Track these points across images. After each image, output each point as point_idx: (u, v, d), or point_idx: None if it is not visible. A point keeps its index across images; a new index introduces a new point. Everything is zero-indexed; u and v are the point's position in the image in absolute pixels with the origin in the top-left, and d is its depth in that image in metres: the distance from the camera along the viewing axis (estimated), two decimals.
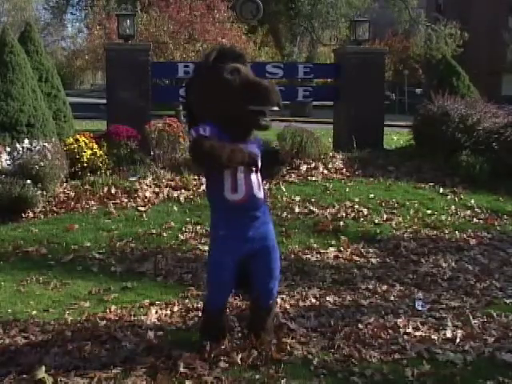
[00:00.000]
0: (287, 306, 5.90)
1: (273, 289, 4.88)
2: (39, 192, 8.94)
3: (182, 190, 9.94)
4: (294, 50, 29.32)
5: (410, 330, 5.34)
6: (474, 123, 11.60)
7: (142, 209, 9.18)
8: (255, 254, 4.71)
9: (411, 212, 9.37)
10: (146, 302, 6.08)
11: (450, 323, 5.49)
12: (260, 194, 4.65)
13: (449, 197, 10.19)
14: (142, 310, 5.84)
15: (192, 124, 4.64)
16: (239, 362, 4.62)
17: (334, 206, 9.41)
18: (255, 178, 4.62)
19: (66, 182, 9.93)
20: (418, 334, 5.27)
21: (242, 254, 4.66)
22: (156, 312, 5.74)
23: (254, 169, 4.59)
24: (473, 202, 9.95)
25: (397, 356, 4.82)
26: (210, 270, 4.83)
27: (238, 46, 19.57)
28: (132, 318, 5.58)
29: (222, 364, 4.59)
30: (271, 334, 4.98)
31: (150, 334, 5.12)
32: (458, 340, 5.13)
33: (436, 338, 5.19)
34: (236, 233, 4.61)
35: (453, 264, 7.37)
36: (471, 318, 5.63)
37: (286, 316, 5.62)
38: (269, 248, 4.77)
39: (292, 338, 5.10)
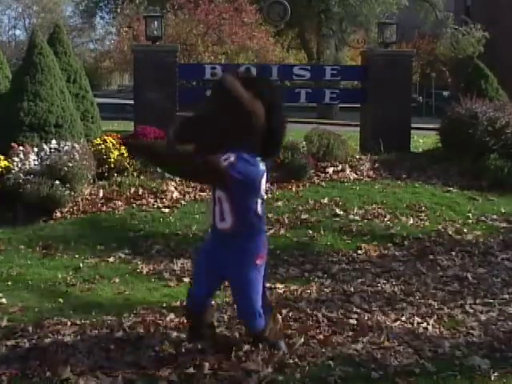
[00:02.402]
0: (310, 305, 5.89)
1: (248, 324, 4.79)
2: (67, 192, 8.99)
3: (209, 191, 9.94)
4: (322, 54, 29.24)
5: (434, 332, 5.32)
6: (503, 126, 11.50)
7: (169, 210, 9.22)
8: (227, 277, 4.80)
9: (438, 215, 9.31)
10: (172, 302, 6.09)
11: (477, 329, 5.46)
12: (223, 225, 4.52)
13: (476, 200, 10.11)
14: (167, 310, 5.85)
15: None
16: (261, 362, 4.62)
17: (360, 209, 9.38)
18: (218, 207, 4.50)
19: (94, 182, 9.97)
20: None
21: (213, 269, 4.72)
22: (182, 313, 5.75)
23: (221, 196, 4.47)
24: (501, 205, 9.87)
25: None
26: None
27: (266, 47, 19.60)
28: (158, 318, 5.60)
29: (246, 365, 4.59)
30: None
31: (175, 334, 5.14)
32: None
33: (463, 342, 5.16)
34: (207, 247, 4.83)
35: (480, 268, 7.31)
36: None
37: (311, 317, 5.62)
38: (234, 278, 4.69)
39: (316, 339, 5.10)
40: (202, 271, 4.83)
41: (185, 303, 5.03)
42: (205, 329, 4.95)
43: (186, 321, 5.11)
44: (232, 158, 4.27)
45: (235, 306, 4.91)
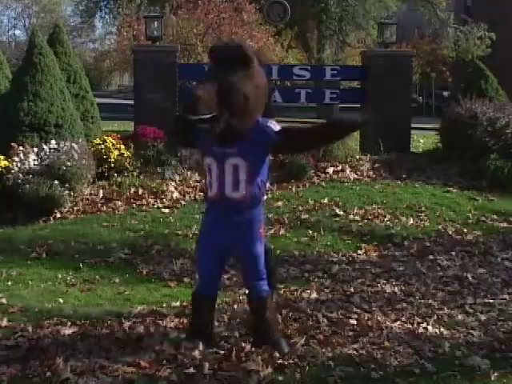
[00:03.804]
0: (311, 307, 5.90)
1: (256, 286, 4.84)
2: (66, 192, 9.00)
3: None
4: (322, 54, 29.22)
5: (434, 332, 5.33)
6: (503, 126, 11.49)
7: (169, 210, 9.22)
8: (233, 249, 4.83)
9: (438, 215, 9.31)
10: (172, 302, 6.09)
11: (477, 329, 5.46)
12: (235, 195, 4.55)
13: (476, 200, 10.11)
14: (167, 310, 5.85)
15: None
16: (261, 362, 4.62)
17: (360, 209, 9.38)
18: (231, 176, 4.51)
19: (94, 182, 9.98)
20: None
21: (217, 249, 4.76)
22: (182, 313, 5.75)
23: (238, 164, 4.50)
24: (500, 205, 9.87)
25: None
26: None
27: (266, 48, 19.57)
28: (157, 318, 5.60)
29: (246, 365, 4.58)
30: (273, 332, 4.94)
31: (175, 334, 5.14)
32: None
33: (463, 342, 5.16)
34: (208, 230, 4.84)
35: (480, 268, 7.31)
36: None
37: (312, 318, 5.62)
38: (245, 247, 4.75)
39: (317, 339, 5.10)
40: (208, 247, 4.81)
41: (195, 290, 4.98)
42: (207, 318, 4.95)
43: (192, 312, 5.06)
44: (273, 123, 4.53)
45: (243, 274, 4.95)
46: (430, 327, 5.43)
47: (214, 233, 4.75)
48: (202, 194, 9.83)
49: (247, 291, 5.02)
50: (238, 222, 4.62)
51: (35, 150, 9.41)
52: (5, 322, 5.48)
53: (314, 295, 6.31)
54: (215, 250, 4.78)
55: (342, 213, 9.19)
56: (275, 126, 4.53)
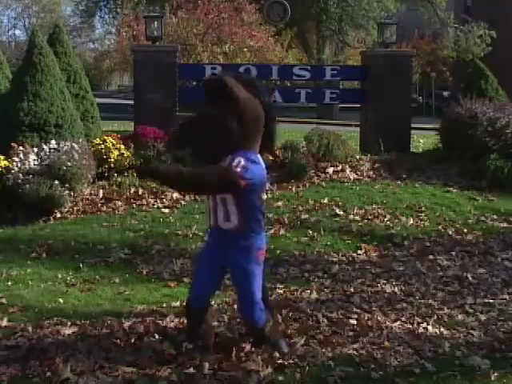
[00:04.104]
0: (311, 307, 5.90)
1: (248, 313, 4.79)
2: (66, 192, 9.00)
3: None
4: (324, 55, 29.24)
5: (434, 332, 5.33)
6: (503, 126, 11.49)
7: (169, 210, 9.22)
8: (229, 268, 4.82)
9: (438, 215, 9.31)
10: (172, 302, 6.09)
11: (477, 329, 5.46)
12: (228, 225, 4.58)
13: (476, 200, 10.11)
14: (167, 310, 5.85)
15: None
16: (261, 362, 4.62)
17: (360, 209, 9.38)
18: (222, 208, 4.54)
19: (94, 182, 9.98)
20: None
21: (215, 268, 4.80)
22: (182, 313, 5.75)
23: (226, 198, 4.50)
24: (500, 205, 9.86)
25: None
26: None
27: (266, 47, 19.58)
28: (157, 318, 5.60)
29: (246, 365, 4.59)
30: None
31: (175, 334, 5.14)
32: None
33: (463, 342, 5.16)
34: (207, 250, 4.90)
35: (480, 268, 7.31)
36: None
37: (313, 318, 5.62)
38: (237, 269, 4.73)
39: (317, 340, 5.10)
40: (204, 262, 4.85)
41: (186, 301, 5.01)
42: (204, 328, 4.94)
43: (186, 320, 5.10)
44: (243, 162, 4.34)
45: (237, 303, 4.93)
46: (430, 327, 5.43)
47: (213, 254, 4.77)
48: None
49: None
50: (236, 248, 4.63)
51: (35, 150, 9.41)
52: (5, 322, 5.49)
53: (314, 295, 6.31)
54: (213, 269, 4.80)
55: (342, 213, 9.19)
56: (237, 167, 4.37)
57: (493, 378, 4.49)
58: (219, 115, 4.37)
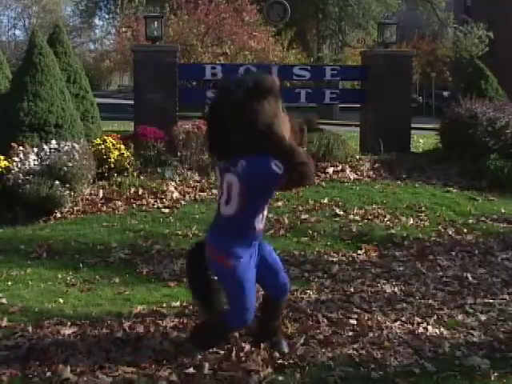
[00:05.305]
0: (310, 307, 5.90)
1: (287, 284, 4.90)
2: (67, 192, 9.00)
3: (209, 192, 9.96)
4: (321, 54, 29.22)
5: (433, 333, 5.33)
6: (503, 126, 11.50)
7: (169, 210, 9.22)
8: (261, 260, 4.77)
9: (438, 215, 9.31)
10: (172, 302, 6.09)
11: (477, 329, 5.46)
12: (224, 211, 4.44)
13: (476, 200, 10.11)
14: (167, 310, 5.85)
15: None
16: (261, 362, 4.62)
17: (360, 209, 9.38)
18: (226, 192, 4.43)
19: (94, 182, 9.98)
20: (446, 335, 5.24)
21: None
22: (182, 313, 5.75)
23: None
24: (501, 205, 9.87)
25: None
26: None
27: (266, 47, 19.57)
28: (157, 318, 5.60)
29: (246, 365, 4.59)
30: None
31: (175, 334, 5.14)
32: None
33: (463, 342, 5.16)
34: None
35: (480, 268, 7.31)
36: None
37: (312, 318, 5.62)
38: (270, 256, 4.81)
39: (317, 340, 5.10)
40: (252, 280, 4.58)
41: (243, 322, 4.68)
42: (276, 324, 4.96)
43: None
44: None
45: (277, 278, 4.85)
46: (429, 327, 5.43)
47: (253, 265, 4.64)
48: (202, 194, 9.86)
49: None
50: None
51: (35, 150, 9.40)
52: (5, 322, 5.49)
53: (314, 295, 6.31)
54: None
55: (342, 213, 9.19)
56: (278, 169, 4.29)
57: (493, 378, 4.49)
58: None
